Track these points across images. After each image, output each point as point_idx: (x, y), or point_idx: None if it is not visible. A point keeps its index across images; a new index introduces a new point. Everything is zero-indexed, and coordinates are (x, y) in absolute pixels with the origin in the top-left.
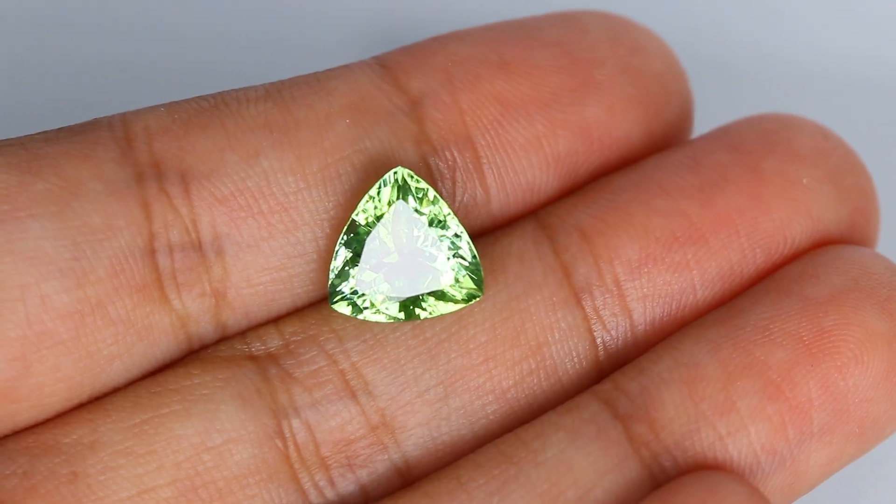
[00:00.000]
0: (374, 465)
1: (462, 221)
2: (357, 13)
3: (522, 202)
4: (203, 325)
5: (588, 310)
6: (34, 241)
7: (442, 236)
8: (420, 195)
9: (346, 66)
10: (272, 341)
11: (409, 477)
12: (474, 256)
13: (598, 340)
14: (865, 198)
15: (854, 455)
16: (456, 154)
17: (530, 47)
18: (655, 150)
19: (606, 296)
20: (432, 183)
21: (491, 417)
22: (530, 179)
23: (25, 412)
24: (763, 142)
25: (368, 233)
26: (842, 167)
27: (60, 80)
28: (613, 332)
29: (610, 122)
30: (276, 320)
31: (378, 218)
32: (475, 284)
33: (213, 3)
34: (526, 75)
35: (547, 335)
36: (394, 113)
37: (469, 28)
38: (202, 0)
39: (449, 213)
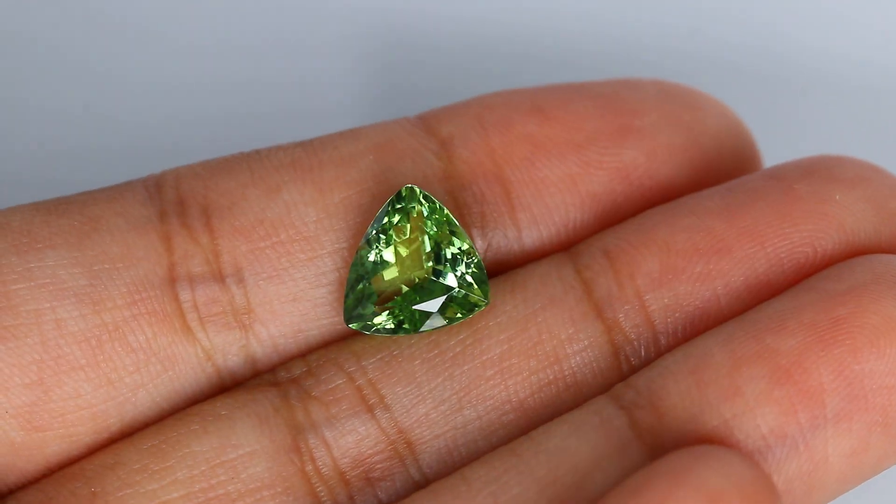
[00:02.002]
0: (393, 478)
1: (493, 258)
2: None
3: (557, 238)
4: (231, 357)
5: (609, 321)
6: (50, 268)
7: (448, 247)
8: (427, 209)
9: (384, 121)
10: (297, 370)
11: None
12: (479, 262)
13: (621, 351)
14: None
15: (885, 449)
16: (484, 188)
17: (570, 99)
18: None
19: (627, 307)
20: (459, 217)
21: (509, 427)
22: (564, 216)
23: (53, 443)
24: (801, 171)
25: (378, 248)
26: (884, 192)
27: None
28: (636, 343)
29: (650, 166)
30: (306, 354)
31: (386, 232)
32: (482, 293)
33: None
34: (560, 120)
35: (565, 347)
36: (420, 151)
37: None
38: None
39: (455, 226)
